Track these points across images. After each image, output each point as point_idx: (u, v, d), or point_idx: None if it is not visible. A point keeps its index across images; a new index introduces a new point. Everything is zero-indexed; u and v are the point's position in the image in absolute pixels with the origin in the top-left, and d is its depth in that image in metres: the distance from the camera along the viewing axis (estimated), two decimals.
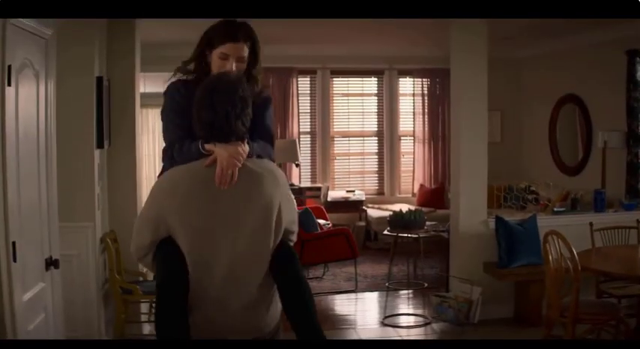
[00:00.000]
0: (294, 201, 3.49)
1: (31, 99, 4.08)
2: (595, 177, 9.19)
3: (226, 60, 3.21)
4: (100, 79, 5.86)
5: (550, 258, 5.35)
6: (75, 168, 5.58)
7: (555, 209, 7.52)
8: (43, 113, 4.28)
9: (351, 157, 12.27)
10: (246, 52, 3.25)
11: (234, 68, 3.20)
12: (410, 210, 7.11)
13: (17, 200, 3.75)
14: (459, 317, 6.71)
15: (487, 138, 7.19)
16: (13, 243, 3.64)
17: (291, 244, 3.26)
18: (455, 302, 6.71)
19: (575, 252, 5.12)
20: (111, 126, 6.29)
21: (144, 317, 6.75)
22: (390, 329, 6.84)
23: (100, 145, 5.91)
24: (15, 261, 3.66)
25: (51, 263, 4.33)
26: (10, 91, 3.63)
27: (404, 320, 7.15)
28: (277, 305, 3.21)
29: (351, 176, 12.23)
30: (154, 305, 6.71)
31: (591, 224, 6.61)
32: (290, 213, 3.20)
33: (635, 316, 5.89)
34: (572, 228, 6.43)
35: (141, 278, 6.56)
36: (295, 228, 3.33)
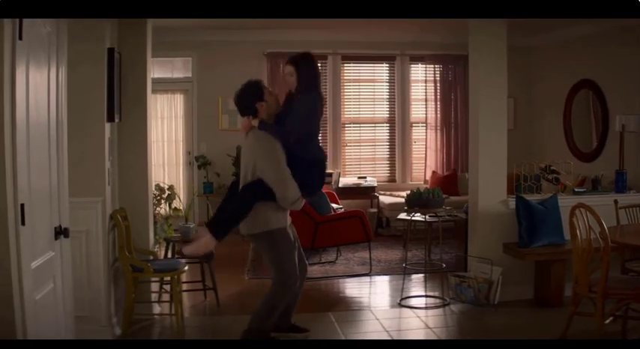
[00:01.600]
0: (277, 166, 5.22)
1: (42, 66, 3.92)
2: (611, 163, 9.03)
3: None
4: (111, 51, 5.68)
5: (578, 232, 5.15)
6: (85, 141, 5.40)
7: (576, 189, 7.32)
8: (54, 82, 4.13)
9: (362, 144, 12.09)
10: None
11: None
12: (428, 189, 6.91)
13: (26, 163, 3.59)
14: (478, 297, 6.52)
15: (507, 117, 7.01)
16: (22, 206, 3.47)
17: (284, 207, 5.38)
18: (475, 282, 6.53)
19: (605, 225, 4.93)
20: (122, 101, 6.12)
21: (154, 297, 6.57)
22: (407, 310, 6.66)
23: (110, 119, 5.72)
24: (23, 224, 3.49)
25: (60, 231, 4.17)
26: (21, 47, 3.46)
27: (421, 302, 6.96)
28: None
29: (362, 163, 12.05)
30: (164, 284, 6.60)
31: (616, 201, 6.48)
32: (263, 172, 5.27)
33: None
34: (593, 208, 6.24)
35: (151, 257, 6.38)
36: (277, 190, 5.23)
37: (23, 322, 3.50)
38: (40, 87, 3.89)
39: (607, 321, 5.10)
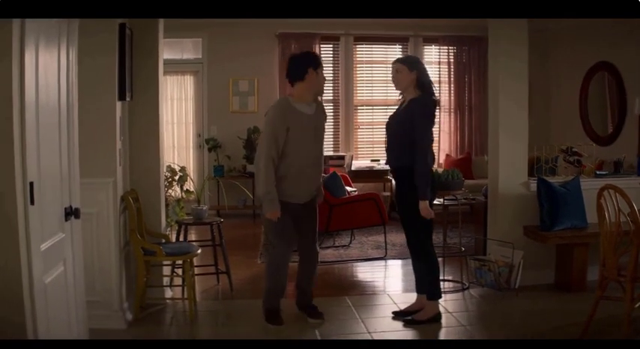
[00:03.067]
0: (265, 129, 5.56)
1: (52, 45, 3.78)
2: (630, 145, 8.90)
3: None
4: (122, 26, 5.49)
5: (606, 214, 4.97)
6: (96, 119, 5.22)
7: (598, 172, 7.13)
8: (65, 62, 3.98)
9: (375, 127, 11.90)
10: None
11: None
12: (446, 170, 6.71)
13: (36, 142, 3.43)
14: (499, 281, 6.35)
15: (527, 97, 6.81)
16: (31, 184, 3.31)
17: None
18: (495, 265, 6.35)
19: (635, 206, 4.75)
20: (133, 80, 5.94)
21: (165, 281, 6.42)
22: None
23: (122, 97, 5.55)
24: (32, 203, 3.33)
25: (71, 212, 4.01)
26: (30, 27, 3.30)
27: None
28: None
29: (375, 145, 11.87)
30: (176, 268, 6.45)
31: None
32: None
33: None
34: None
35: (163, 240, 6.23)
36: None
37: (32, 306, 3.36)
38: (49, 66, 3.74)
39: (637, 305, 4.92)
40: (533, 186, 6.63)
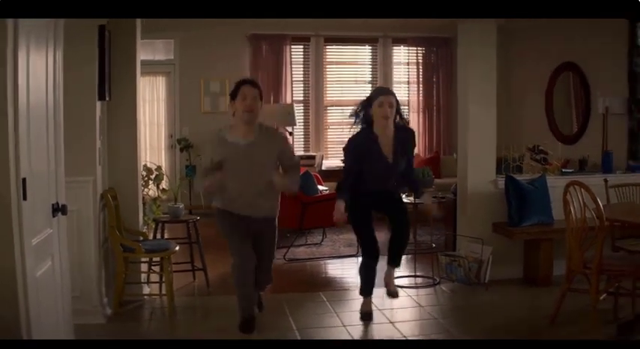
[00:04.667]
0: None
1: (41, 47, 3.90)
2: (594, 145, 9.12)
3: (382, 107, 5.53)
4: (102, 28, 5.60)
5: (572, 209, 5.19)
6: (76, 119, 5.27)
7: (564, 169, 7.38)
8: (52, 63, 4.12)
9: (344, 127, 12.05)
10: (393, 101, 5.59)
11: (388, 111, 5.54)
12: (417, 169, 6.92)
13: (27, 141, 3.56)
14: (469, 276, 6.56)
15: (495, 98, 7.02)
16: (24, 180, 3.43)
17: None
18: (465, 261, 6.56)
19: (599, 202, 4.97)
20: (111, 80, 6.05)
21: (143, 278, 6.53)
22: (398, 289, 6.65)
23: (101, 97, 5.66)
24: (25, 198, 3.44)
25: (58, 208, 4.13)
26: (23, 28, 3.42)
27: (411, 282, 6.98)
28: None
29: None
30: (153, 265, 6.57)
31: (606, 180, 6.56)
32: None
33: None
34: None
35: (141, 238, 6.34)
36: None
37: (26, 299, 3.48)
38: (39, 67, 3.87)
39: (602, 297, 5.15)
40: (501, 183, 6.86)
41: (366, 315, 5.86)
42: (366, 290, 5.97)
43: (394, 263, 6.06)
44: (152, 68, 11.33)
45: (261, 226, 5.50)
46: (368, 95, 5.82)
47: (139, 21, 6.43)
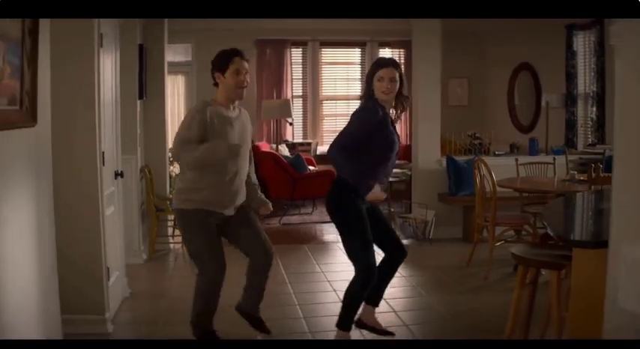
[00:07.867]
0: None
1: (109, 54, 5.91)
2: (543, 133, 10.95)
3: (382, 81, 4.71)
4: (141, 46, 7.66)
5: (478, 179, 7.19)
6: (124, 113, 7.30)
7: (496, 152, 9.41)
8: (115, 66, 6.11)
9: (338, 118, 13.97)
10: (396, 75, 4.73)
11: (388, 86, 4.69)
12: None
13: (103, 126, 5.54)
14: (417, 233, 8.59)
15: (440, 93, 9.02)
16: (103, 153, 5.47)
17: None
18: (414, 221, 8.59)
19: (493, 174, 6.99)
20: (147, 84, 8.10)
21: (170, 231, 8.61)
22: None
23: (141, 96, 7.72)
24: (103, 164, 5.49)
25: (118, 173, 6.17)
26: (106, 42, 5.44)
27: None
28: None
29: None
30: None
31: (517, 159, 8.48)
32: None
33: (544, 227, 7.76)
34: (507, 166, 8.34)
35: (169, 202, 8.37)
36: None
37: (103, 230, 5.48)
38: (107, 69, 5.81)
39: (497, 244, 7.12)
40: (444, 162, 8.88)
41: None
42: (349, 324, 4.95)
43: (376, 302, 5.20)
44: (174, 68, 12.99)
45: (239, 213, 5.10)
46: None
47: (166, 37, 8.46)
